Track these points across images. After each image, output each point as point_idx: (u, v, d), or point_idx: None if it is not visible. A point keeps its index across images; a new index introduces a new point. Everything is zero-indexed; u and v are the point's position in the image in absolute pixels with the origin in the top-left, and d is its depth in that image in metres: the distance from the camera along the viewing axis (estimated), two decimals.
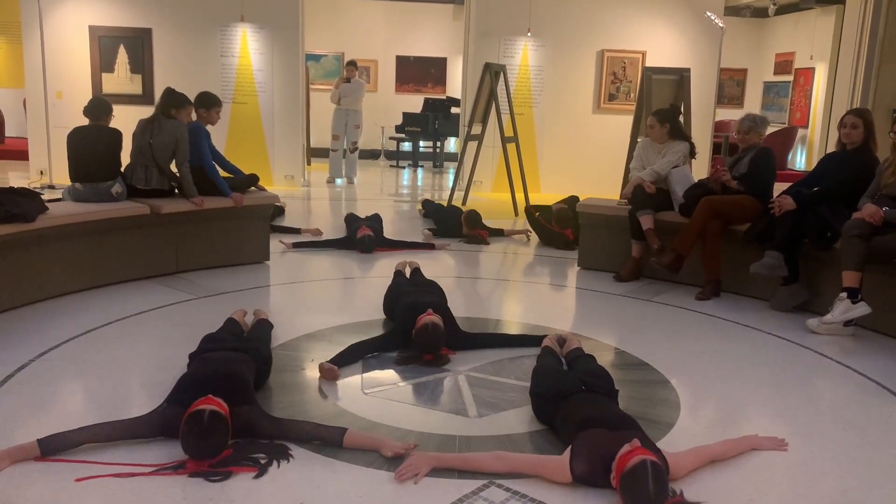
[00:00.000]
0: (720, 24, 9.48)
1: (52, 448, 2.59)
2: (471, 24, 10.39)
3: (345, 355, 3.62)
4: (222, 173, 5.68)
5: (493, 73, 8.63)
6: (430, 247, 6.53)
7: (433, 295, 4.22)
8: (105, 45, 9.43)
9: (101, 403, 3.16)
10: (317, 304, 5.01)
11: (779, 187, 5.16)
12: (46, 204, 4.62)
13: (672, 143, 5.68)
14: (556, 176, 10.10)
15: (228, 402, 2.66)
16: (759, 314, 4.81)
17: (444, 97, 14.14)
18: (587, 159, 10.21)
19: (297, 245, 6.36)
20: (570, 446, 2.55)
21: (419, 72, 15.50)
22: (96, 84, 9.45)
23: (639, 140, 7.11)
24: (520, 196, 8.70)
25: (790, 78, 14.22)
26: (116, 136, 5.16)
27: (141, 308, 4.50)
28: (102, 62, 9.45)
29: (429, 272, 4.95)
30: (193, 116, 5.55)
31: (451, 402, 3.29)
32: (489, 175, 10.08)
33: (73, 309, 4.42)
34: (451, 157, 14.00)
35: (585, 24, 10.23)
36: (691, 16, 10.18)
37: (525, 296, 5.51)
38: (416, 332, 3.66)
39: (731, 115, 14.08)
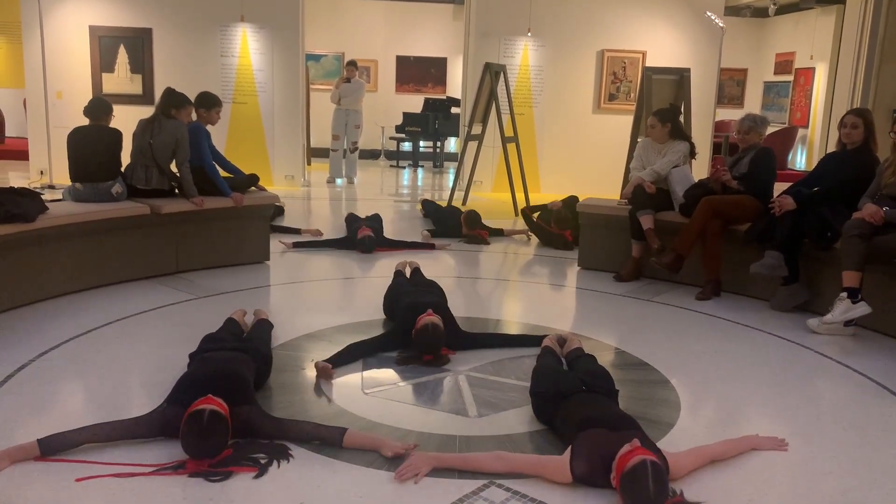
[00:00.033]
0: (720, 24, 9.48)
1: (52, 448, 2.59)
2: (471, 24, 10.39)
3: (342, 355, 3.63)
4: (222, 173, 5.68)
5: (493, 73, 8.63)
6: (431, 247, 6.53)
7: (433, 295, 4.22)
8: (105, 45, 9.43)
9: (101, 403, 3.16)
10: (317, 304, 5.01)
11: (779, 187, 5.16)
12: (47, 204, 4.62)
13: (672, 143, 5.68)
14: (557, 176, 10.10)
15: (228, 402, 2.66)
16: (760, 314, 4.81)
17: (445, 97, 14.13)
18: (587, 159, 10.21)
19: (297, 245, 6.36)
20: (570, 446, 2.55)
21: (419, 72, 15.50)
22: (96, 84, 9.46)
23: (639, 140, 7.11)
24: (520, 196, 8.70)
25: (790, 78, 14.22)
26: (117, 136, 5.16)
27: (141, 308, 4.50)
28: (102, 62, 9.46)
29: (429, 272, 4.95)
30: (193, 116, 5.55)
31: (452, 402, 3.29)
32: (489, 175, 10.09)
33: (73, 309, 4.42)
34: (452, 157, 14.00)
35: (585, 24, 10.23)
36: (691, 16, 10.18)
37: (525, 296, 5.51)
38: (416, 333, 3.66)
39: (732, 115, 14.08)
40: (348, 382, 3.47)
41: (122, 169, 5.21)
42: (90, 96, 8.30)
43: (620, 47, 10.31)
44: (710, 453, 2.74)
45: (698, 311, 4.88)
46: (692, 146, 5.78)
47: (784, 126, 13.84)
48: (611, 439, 2.48)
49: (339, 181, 10.90)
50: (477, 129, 9.02)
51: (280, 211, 7.52)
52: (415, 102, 14.27)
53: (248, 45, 9.62)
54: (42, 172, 9.30)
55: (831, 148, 5.40)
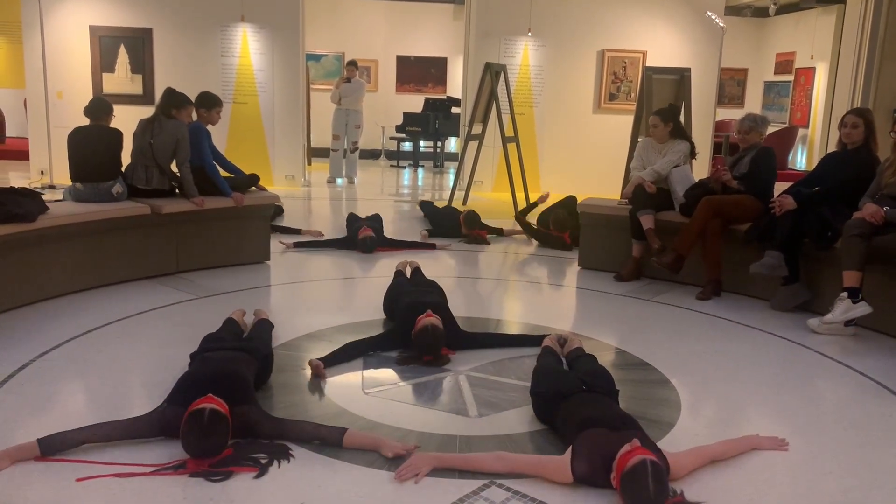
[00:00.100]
0: (721, 24, 9.48)
1: (53, 448, 2.59)
2: (471, 24, 10.40)
3: (338, 354, 3.63)
4: (223, 173, 5.68)
5: (493, 73, 8.63)
6: (431, 247, 6.53)
7: (433, 295, 4.22)
8: (105, 45, 9.43)
9: (102, 403, 3.16)
10: (317, 303, 5.01)
11: (779, 187, 5.16)
12: (47, 204, 4.62)
13: (673, 143, 5.68)
14: (557, 176, 10.09)
15: (228, 402, 2.66)
16: (760, 314, 4.81)
17: (445, 97, 14.14)
18: (588, 159, 10.21)
19: (297, 245, 6.37)
20: (570, 446, 2.55)
21: (420, 72, 15.50)
22: (97, 84, 9.46)
23: (639, 140, 7.12)
24: (520, 196, 8.69)
25: (791, 78, 14.22)
26: (117, 136, 5.16)
27: (141, 308, 4.50)
28: (103, 62, 9.46)
29: (429, 272, 4.95)
30: (194, 116, 5.55)
31: (452, 401, 3.29)
32: (490, 175, 10.09)
33: (73, 309, 4.42)
34: (452, 157, 13.99)
35: (586, 23, 10.23)
36: (692, 15, 10.17)
37: (525, 295, 5.51)
38: (416, 334, 3.66)
39: (732, 114, 14.08)
40: (348, 382, 3.48)
41: (123, 169, 5.21)
42: (90, 96, 8.30)
43: (621, 47, 10.31)
44: (710, 453, 2.74)
45: (699, 311, 4.87)
46: (693, 146, 5.78)
47: (784, 126, 13.84)
48: (611, 439, 2.48)
49: (339, 181, 10.90)
50: (477, 129, 9.02)
51: (280, 211, 7.52)
52: (415, 102, 14.27)
53: (248, 45, 9.62)
54: (42, 172, 9.30)
55: (832, 148, 5.40)
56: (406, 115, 13.41)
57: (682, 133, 5.81)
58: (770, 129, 7.71)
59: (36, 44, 9.04)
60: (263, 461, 2.61)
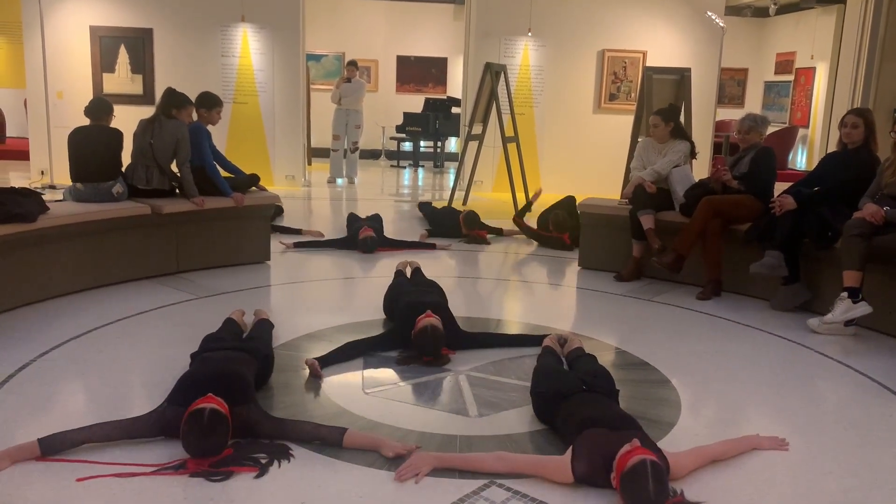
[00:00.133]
0: (721, 24, 9.48)
1: (53, 448, 2.59)
2: (471, 24, 10.40)
3: (336, 353, 3.64)
4: (223, 173, 5.68)
5: (493, 73, 8.63)
6: (432, 247, 6.53)
7: (433, 295, 4.22)
8: (106, 45, 9.43)
9: (102, 403, 3.16)
10: (317, 303, 5.01)
11: (779, 187, 5.16)
12: (47, 204, 4.62)
13: (673, 143, 5.68)
14: (557, 176, 10.09)
15: (228, 402, 2.66)
16: (760, 314, 4.81)
17: (445, 97, 14.13)
18: (588, 159, 10.21)
19: (298, 245, 6.37)
20: (571, 447, 2.55)
21: (420, 72, 15.50)
22: (97, 84, 9.46)
23: (639, 140, 7.12)
24: (521, 196, 8.70)
25: (791, 77, 14.22)
26: (117, 136, 5.16)
27: (142, 308, 4.50)
28: (103, 62, 9.46)
29: (429, 272, 4.95)
30: (194, 116, 5.55)
31: (452, 401, 3.29)
32: (490, 175, 10.09)
33: (73, 309, 4.42)
34: (452, 157, 13.99)
35: (586, 23, 10.23)
36: (692, 15, 10.17)
37: (525, 295, 5.51)
38: (416, 335, 3.66)
39: (732, 114, 14.08)
40: (349, 382, 3.48)
41: (123, 169, 5.21)
42: (91, 96, 8.30)
43: (621, 47, 10.31)
44: (710, 453, 2.74)
45: (699, 311, 4.88)
46: (693, 146, 5.78)
47: (784, 126, 13.84)
48: (611, 439, 2.48)
49: (339, 181, 10.91)
50: (477, 129, 9.02)
51: (279, 211, 7.52)
52: (415, 102, 14.27)
53: (248, 45, 9.62)
54: (43, 172, 9.30)
55: (832, 148, 5.40)
56: (406, 115, 13.41)
57: (682, 133, 5.81)
58: (770, 129, 7.71)
59: (36, 44, 9.05)
60: (264, 461, 2.61)
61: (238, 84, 9.67)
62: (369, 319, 4.40)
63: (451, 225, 7.07)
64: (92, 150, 5.04)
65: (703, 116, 9.84)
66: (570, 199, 7.19)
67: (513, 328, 4.48)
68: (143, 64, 9.50)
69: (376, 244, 6.22)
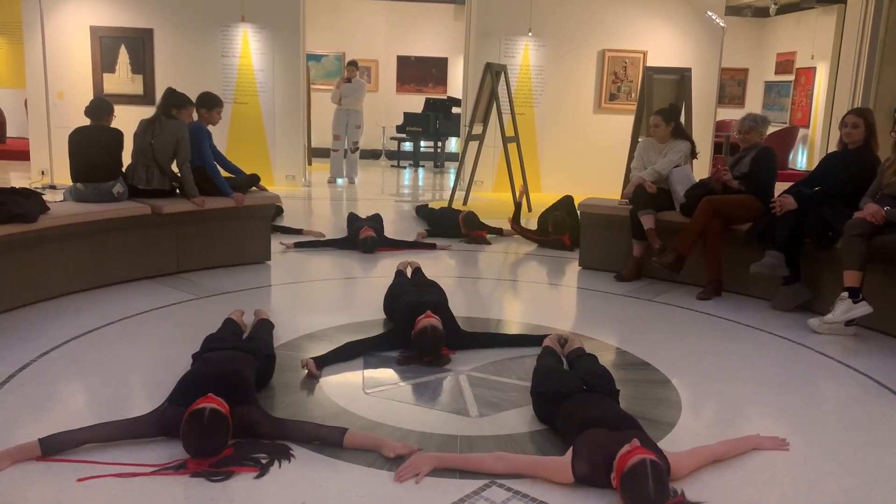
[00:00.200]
0: (721, 24, 9.48)
1: (54, 448, 2.59)
2: (472, 24, 10.40)
3: (335, 353, 3.64)
4: (223, 173, 5.68)
5: (493, 73, 8.63)
6: (432, 247, 6.53)
7: (433, 295, 4.22)
8: (106, 45, 9.43)
9: (103, 403, 3.16)
10: (318, 304, 5.01)
11: (780, 187, 5.16)
12: (48, 204, 4.62)
13: (673, 143, 5.68)
14: (557, 176, 10.10)
15: (229, 402, 2.66)
16: (761, 314, 4.81)
17: (445, 97, 14.14)
18: (588, 159, 10.21)
19: (298, 245, 6.37)
20: (571, 447, 2.54)
21: (420, 72, 15.50)
22: (97, 84, 9.46)
23: (640, 140, 7.12)
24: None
25: (791, 77, 14.22)
26: (118, 136, 5.16)
27: (142, 308, 4.50)
28: (103, 62, 9.46)
29: (430, 272, 4.95)
30: (195, 116, 5.56)
31: (453, 401, 3.29)
32: (490, 175, 10.09)
33: (74, 309, 4.43)
34: (452, 157, 13.99)
35: (586, 23, 10.23)
36: (692, 15, 10.17)
37: (526, 295, 5.51)
38: (415, 335, 3.66)
39: (733, 114, 14.08)
40: (349, 382, 3.48)
41: (123, 169, 5.21)
42: (91, 96, 8.29)
43: (621, 47, 10.31)
44: (711, 453, 2.74)
45: (699, 311, 4.87)
46: (693, 146, 5.77)
47: (785, 126, 13.84)
48: (612, 439, 2.48)
49: (339, 181, 10.91)
50: (478, 129, 9.02)
51: (279, 211, 7.52)
52: (415, 102, 14.27)
53: (248, 46, 9.63)
54: (43, 173, 9.31)
55: (832, 148, 5.40)
56: (406, 115, 13.41)
57: (682, 133, 5.81)
58: (770, 129, 7.71)
59: (36, 44, 9.05)
60: (264, 461, 2.61)
61: (238, 84, 9.67)
62: (370, 319, 4.40)
63: (450, 225, 7.07)
64: (92, 150, 5.04)
65: (704, 116, 9.84)
66: (568, 199, 7.19)
67: (513, 328, 4.48)
68: (143, 64, 9.50)
69: (377, 244, 6.22)
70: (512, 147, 8.84)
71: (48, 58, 9.02)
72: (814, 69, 13.39)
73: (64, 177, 6.71)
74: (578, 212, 6.25)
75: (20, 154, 11.07)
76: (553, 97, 10.31)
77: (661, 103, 7.38)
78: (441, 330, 3.67)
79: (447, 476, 2.58)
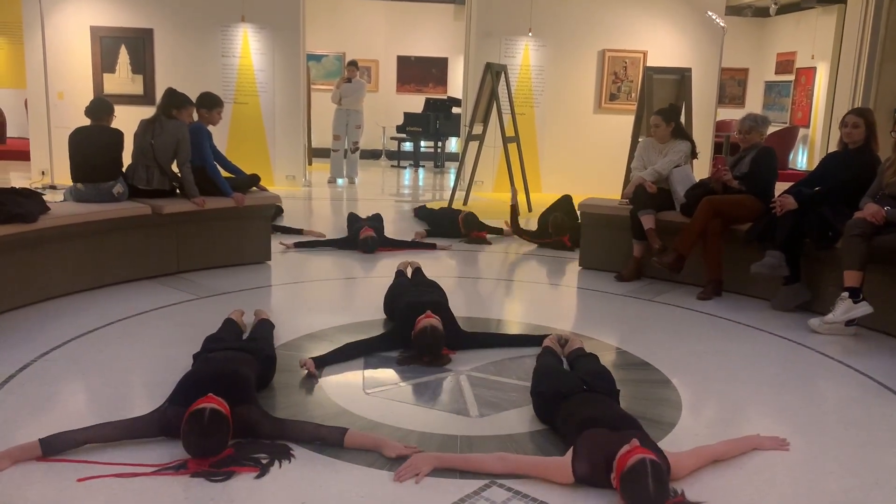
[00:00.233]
0: (721, 24, 9.48)
1: (54, 448, 2.59)
2: (472, 24, 10.40)
3: (334, 354, 3.64)
4: (224, 173, 5.68)
5: (494, 73, 8.63)
6: (432, 247, 6.53)
7: (434, 294, 4.22)
8: (106, 45, 9.44)
9: (103, 404, 3.16)
10: (318, 304, 5.01)
11: (780, 187, 5.16)
12: (48, 204, 4.63)
13: (674, 143, 5.68)
14: (557, 176, 10.10)
15: (229, 402, 2.66)
16: (761, 314, 4.81)
17: (446, 97, 14.14)
18: (588, 159, 10.21)
19: (298, 245, 6.37)
20: (571, 447, 2.54)
21: (420, 72, 15.50)
22: (98, 84, 9.47)
23: (640, 140, 7.11)
24: (521, 196, 8.69)
25: (791, 77, 14.22)
26: (118, 136, 5.16)
27: (142, 308, 4.50)
28: (104, 62, 9.47)
29: (430, 272, 4.95)
30: (195, 117, 5.56)
31: (453, 402, 3.29)
32: (490, 175, 10.09)
33: (74, 309, 4.43)
34: (453, 157, 14.00)
35: (586, 23, 10.23)
36: (692, 15, 10.17)
37: (526, 295, 5.51)
38: (415, 335, 3.66)
39: (733, 114, 14.08)
40: (349, 382, 3.48)
41: (124, 169, 5.21)
42: (91, 97, 8.28)
43: (621, 47, 10.31)
44: (711, 453, 2.73)
45: (699, 311, 4.87)
46: (694, 146, 5.77)
47: (785, 126, 13.84)
48: (612, 439, 2.48)
49: (340, 181, 10.91)
50: (478, 129, 9.02)
51: (279, 211, 7.52)
52: (416, 102, 14.27)
53: (248, 46, 9.63)
54: (43, 173, 9.31)
55: (832, 148, 5.40)
56: (407, 115, 13.41)
57: (683, 133, 5.81)
58: (771, 129, 7.71)
59: (37, 44, 9.05)
60: (264, 461, 2.61)
61: (238, 84, 9.67)
62: (370, 319, 4.40)
63: (450, 225, 7.06)
64: (93, 150, 5.04)
65: (704, 116, 9.84)
66: (566, 199, 7.19)
67: (513, 328, 4.48)
68: (143, 64, 9.50)
69: (377, 244, 6.22)
70: (512, 147, 8.84)
71: (48, 58, 9.02)
72: (814, 69, 13.39)
73: (64, 177, 6.71)
74: (578, 212, 6.24)
75: (20, 154, 11.07)
76: (553, 97, 10.31)
77: (661, 103, 7.37)
78: (441, 330, 3.66)
79: (447, 476, 2.58)
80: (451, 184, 9.55)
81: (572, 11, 10.18)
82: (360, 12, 14.93)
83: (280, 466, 2.60)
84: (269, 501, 2.42)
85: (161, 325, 4.25)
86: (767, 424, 3.19)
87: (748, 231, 5.02)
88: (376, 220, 6.84)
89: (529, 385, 3.23)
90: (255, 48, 9.64)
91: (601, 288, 5.42)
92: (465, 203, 8.84)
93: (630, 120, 8.67)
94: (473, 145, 9.11)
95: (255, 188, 5.89)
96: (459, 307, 4.42)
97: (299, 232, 6.89)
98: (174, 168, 5.36)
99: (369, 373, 3.59)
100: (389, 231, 6.87)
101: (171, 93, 5.36)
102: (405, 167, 13.65)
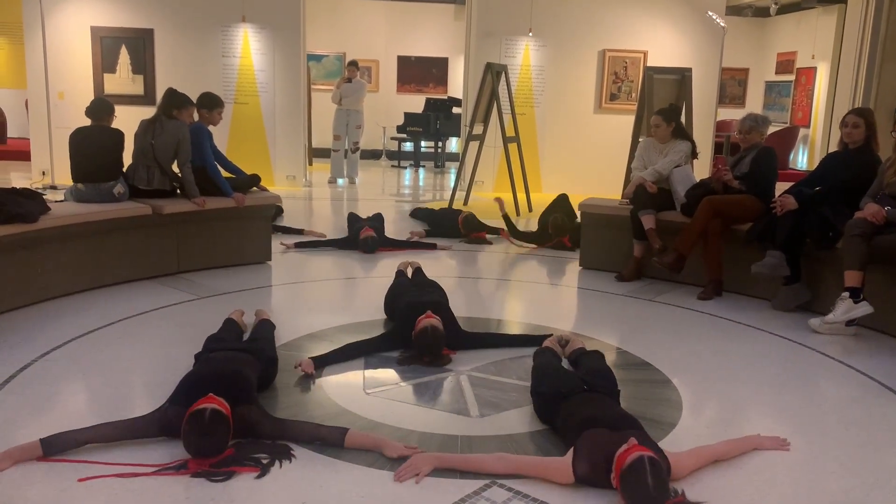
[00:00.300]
0: (722, 24, 9.48)
1: (55, 448, 2.59)
2: (472, 24, 10.40)
3: (336, 354, 3.64)
4: (224, 174, 5.69)
5: (494, 73, 8.63)
6: (433, 247, 6.53)
7: (434, 294, 4.22)
8: (107, 45, 9.44)
9: (104, 404, 3.16)
10: (319, 304, 5.01)
11: (780, 187, 5.16)
12: (48, 204, 4.63)
13: (674, 143, 5.68)
14: (558, 176, 10.10)
15: (230, 402, 2.66)
16: (761, 314, 4.81)
17: (446, 97, 14.14)
18: (588, 159, 10.21)
19: (298, 245, 6.37)
20: (572, 447, 2.54)
21: (420, 72, 15.50)
22: (98, 84, 9.47)
23: (640, 140, 7.11)
24: (521, 196, 8.70)
25: (792, 77, 14.21)
26: (118, 136, 5.16)
27: (143, 308, 4.50)
28: (104, 63, 9.47)
29: (430, 272, 4.95)
30: (195, 117, 5.56)
31: (453, 402, 3.29)
32: (491, 175, 10.09)
33: (74, 309, 4.43)
34: (453, 157, 14.00)
35: (587, 23, 10.23)
36: (693, 15, 10.17)
37: (526, 295, 5.51)
38: (416, 335, 3.66)
39: (733, 114, 14.08)
40: (350, 382, 3.48)
41: (124, 169, 5.21)
42: (92, 97, 8.28)
43: (621, 47, 10.31)
44: (711, 453, 2.74)
45: (700, 311, 4.87)
46: (694, 146, 5.77)
47: (785, 126, 13.83)
48: (612, 439, 2.48)
49: (340, 181, 10.91)
50: (478, 129, 9.02)
51: (279, 211, 7.52)
52: (416, 102, 14.27)
53: (249, 46, 9.63)
54: (44, 173, 9.31)
55: (833, 147, 5.40)
56: (407, 115, 13.41)
57: (683, 133, 5.81)
58: (771, 129, 7.72)
59: (37, 44, 9.06)
60: (265, 461, 2.61)
61: (239, 84, 9.68)
62: (370, 319, 4.40)
63: (450, 226, 7.06)
64: (93, 150, 5.05)
65: (704, 116, 9.83)
66: (563, 198, 7.18)
67: (514, 328, 4.48)
68: (143, 64, 9.51)
69: (377, 244, 6.22)
70: (512, 147, 8.84)
71: (49, 58, 9.03)
72: (814, 69, 13.39)
73: (65, 177, 6.72)
74: (578, 212, 6.24)
75: (21, 154, 11.08)
76: (553, 97, 10.31)
77: (661, 103, 7.37)
78: (441, 330, 3.67)
79: (447, 476, 2.58)
80: (452, 184, 9.55)
81: (572, 11, 10.18)
82: (361, 12, 14.94)
83: (280, 466, 2.60)
84: (270, 501, 2.43)
85: (161, 325, 4.25)
86: (768, 424, 3.19)
87: (748, 231, 5.02)
88: (377, 220, 6.84)
89: (529, 385, 3.23)
90: (255, 48, 9.65)
91: (601, 288, 5.43)
92: (465, 203, 8.84)
93: (630, 120, 8.67)
94: (474, 145, 9.11)
95: (255, 188, 5.89)
96: (459, 307, 4.42)
97: (300, 232, 6.89)
98: (175, 168, 5.37)
99: (370, 373, 3.59)
100: (390, 231, 6.87)
101: (171, 93, 5.36)
102: (405, 167, 13.65)
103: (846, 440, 3.04)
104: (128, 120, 5.58)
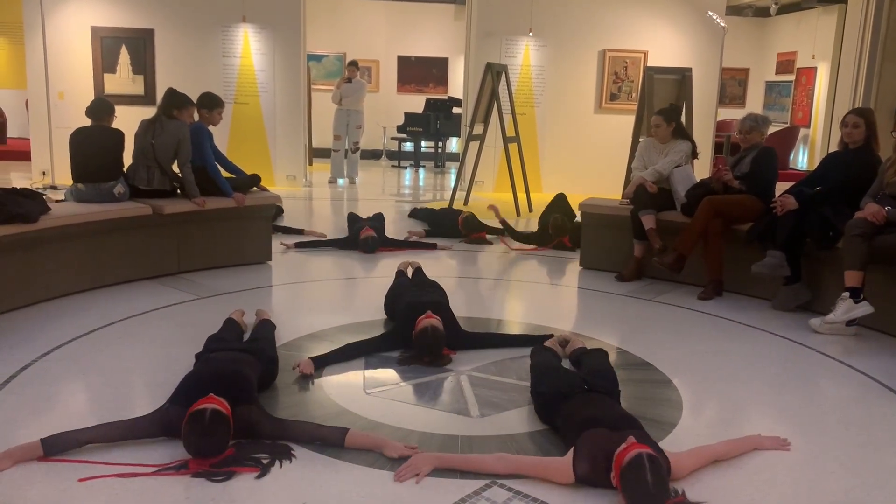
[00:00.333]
0: (722, 24, 9.48)
1: (55, 448, 2.59)
2: (472, 24, 10.40)
3: (336, 354, 3.64)
4: (224, 174, 5.69)
5: (494, 73, 8.63)
6: (433, 247, 6.53)
7: (434, 294, 4.22)
8: (107, 45, 9.44)
9: (104, 404, 3.16)
10: (319, 304, 5.01)
11: (781, 187, 5.16)
12: (49, 204, 4.63)
13: (674, 143, 5.68)
14: (558, 176, 10.09)
15: (230, 402, 2.67)
16: (762, 314, 4.81)
17: (446, 97, 14.14)
18: (589, 159, 10.22)
19: (299, 245, 6.37)
20: (572, 447, 2.54)
21: (421, 72, 15.50)
22: (98, 85, 9.47)
23: (640, 140, 7.11)
24: (521, 196, 8.70)
25: (792, 77, 14.21)
26: (118, 136, 5.16)
27: (143, 308, 4.50)
28: (104, 63, 9.47)
29: (430, 272, 4.95)
30: (196, 117, 5.56)
31: (453, 402, 3.29)
32: (491, 175, 10.09)
33: (75, 309, 4.43)
34: (453, 157, 14.00)
35: (587, 23, 10.23)
36: (693, 15, 10.17)
37: (527, 295, 5.51)
38: (416, 336, 3.66)
39: (733, 114, 14.08)
40: (350, 382, 3.48)
41: (125, 169, 5.22)
42: (92, 97, 8.28)
43: (622, 47, 10.31)
44: (712, 453, 2.74)
45: (700, 311, 4.87)
46: (694, 146, 5.77)
47: (786, 126, 13.84)
48: (612, 439, 2.48)
49: (340, 181, 10.91)
50: (478, 129, 9.02)
51: (279, 211, 7.52)
52: (416, 102, 14.27)
53: (249, 46, 9.63)
54: (44, 173, 9.31)
55: (833, 147, 5.40)
56: (407, 115, 13.41)
57: (683, 133, 5.81)
58: (771, 129, 7.72)
59: (37, 44, 9.06)
60: (265, 461, 2.61)
61: (239, 84, 9.68)
62: (370, 320, 4.40)
63: (450, 226, 7.06)
64: (93, 150, 5.05)
65: (705, 116, 9.83)
66: (561, 198, 7.18)
67: (514, 328, 4.48)
68: (144, 64, 9.51)
69: (377, 244, 6.22)
70: (513, 147, 8.84)
71: (49, 58, 9.03)
72: (814, 69, 13.39)
73: (65, 177, 6.72)
74: (579, 212, 6.23)
75: (21, 154, 11.08)
76: (554, 97, 10.31)
77: (661, 103, 7.38)
78: (441, 330, 3.67)
79: (448, 476, 2.58)
80: (452, 184, 9.55)
81: (573, 11, 10.18)
82: (361, 12, 14.94)
83: (281, 466, 2.60)
84: (270, 501, 2.43)
85: (162, 325, 4.25)
86: (768, 424, 3.19)
87: (749, 231, 5.02)
88: (377, 220, 6.84)
89: (529, 385, 3.23)
90: (255, 48, 9.65)
91: (602, 288, 5.43)
92: (465, 203, 8.84)
93: (630, 120, 8.67)
94: (474, 145, 9.11)
95: (255, 188, 5.89)
96: (460, 307, 4.42)
97: (300, 232, 6.89)
98: (175, 168, 5.37)
99: (370, 373, 3.59)
100: (390, 231, 6.87)
101: (171, 93, 5.37)
102: (406, 167, 13.65)
103: (846, 440, 3.04)
104: (128, 120, 5.58)
